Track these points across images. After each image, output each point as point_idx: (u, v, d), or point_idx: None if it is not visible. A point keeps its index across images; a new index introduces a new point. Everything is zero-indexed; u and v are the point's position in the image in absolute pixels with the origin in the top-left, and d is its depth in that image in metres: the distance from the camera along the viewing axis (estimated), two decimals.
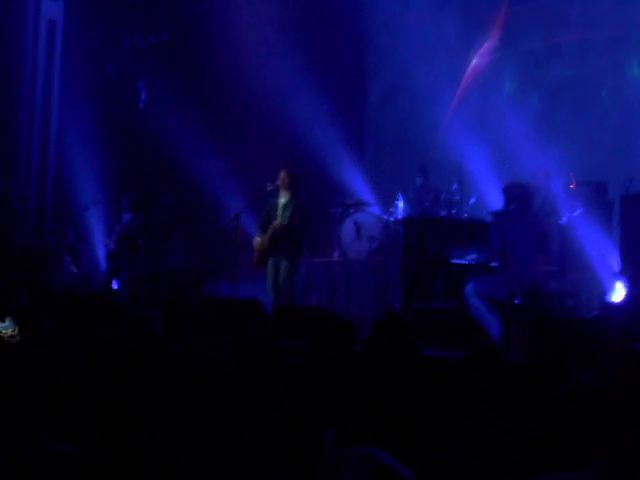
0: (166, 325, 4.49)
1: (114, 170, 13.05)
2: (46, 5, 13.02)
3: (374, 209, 12.31)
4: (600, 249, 9.70)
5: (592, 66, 12.90)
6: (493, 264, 8.53)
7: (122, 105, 13.82)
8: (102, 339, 4.61)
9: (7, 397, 3.02)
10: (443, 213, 11.36)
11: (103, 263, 12.05)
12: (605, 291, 9.04)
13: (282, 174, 9.63)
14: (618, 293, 8.74)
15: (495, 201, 10.99)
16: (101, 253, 12.24)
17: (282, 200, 9.63)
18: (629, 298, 8.34)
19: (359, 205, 12.26)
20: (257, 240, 9.72)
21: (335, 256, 11.90)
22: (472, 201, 11.58)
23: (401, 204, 11.79)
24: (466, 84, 13.70)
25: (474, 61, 13.69)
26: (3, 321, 7.76)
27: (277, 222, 9.46)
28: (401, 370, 4.05)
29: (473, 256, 8.66)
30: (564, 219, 10.01)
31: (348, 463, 1.99)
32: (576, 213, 10.07)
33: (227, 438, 3.16)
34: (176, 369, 3.81)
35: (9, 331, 8.22)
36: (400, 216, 11.56)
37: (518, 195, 8.30)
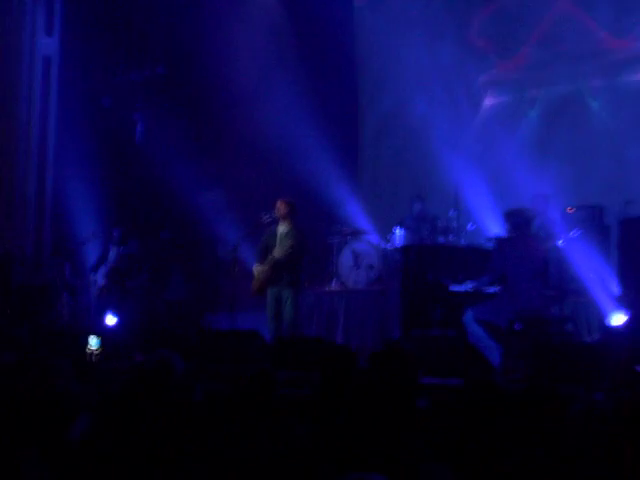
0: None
1: (110, 204, 13.04)
2: (41, 42, 13.14)
3: (372, 237, 12.28)
4: (598, 273, 9.70)
5: (586, 90, 12.95)
6: (492, 290, 8.51)
7: (119, 139, 13.83)
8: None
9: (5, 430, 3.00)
10: (441, 240, 11.35)
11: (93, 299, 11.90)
12: (604, 315, 9.02)
13: (279, 204, 9.63)
14: (618, 317, 8.72)
15: (493, 227, 11.02)
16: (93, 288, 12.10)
17: (281, 229, 9.61)
18: (629, 322, 8.32)
19: (356, 234, 12.23)
20: (257, 267, 9.65)
21: (333, 286, 11.86)
22: (470, 227, 11.59)
23: (399, 232, 11.78)
24: None
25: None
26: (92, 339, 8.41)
27: (277, 251, 9.43)
28: (399, 400, 4.02)
29: (473, 282, 8.64)
30: (561, 242, 10.02)
31: None
32: (572, 235, 10.08)
33: (230, 469, 3.13)
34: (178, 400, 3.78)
35: (98, 348, 8.74)
36: (398, 244, 11.55)
37: (520, 221, 8.30)
